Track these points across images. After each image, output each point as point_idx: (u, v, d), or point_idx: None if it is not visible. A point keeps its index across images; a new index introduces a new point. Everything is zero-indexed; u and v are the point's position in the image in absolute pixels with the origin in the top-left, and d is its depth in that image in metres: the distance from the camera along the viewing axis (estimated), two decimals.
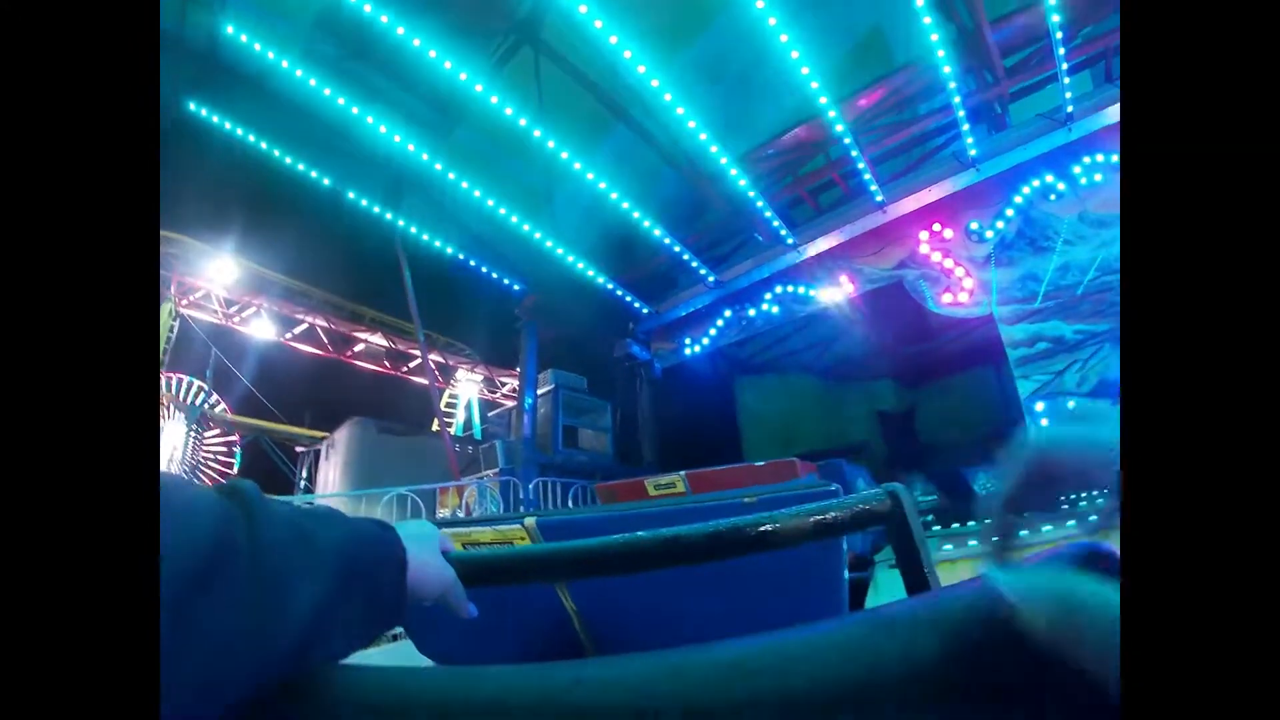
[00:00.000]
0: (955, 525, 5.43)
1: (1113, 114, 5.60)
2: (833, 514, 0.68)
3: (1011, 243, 6.22)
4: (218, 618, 0.35)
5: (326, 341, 17.75)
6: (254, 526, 0.39)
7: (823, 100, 5.52)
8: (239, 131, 6.03)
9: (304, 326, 17.29)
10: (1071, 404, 5.72)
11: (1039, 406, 5.95)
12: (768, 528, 0.67)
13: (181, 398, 17.74)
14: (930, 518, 5.87)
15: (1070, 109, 5.68)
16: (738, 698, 0.30)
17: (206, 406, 18.12)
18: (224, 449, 18.67)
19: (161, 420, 16.93)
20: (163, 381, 17.14)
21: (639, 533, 0.66)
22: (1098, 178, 5.77)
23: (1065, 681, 0.35)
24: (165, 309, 15.47)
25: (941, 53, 5.32)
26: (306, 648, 0.43)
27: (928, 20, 5.09)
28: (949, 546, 4.95)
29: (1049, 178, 5.97)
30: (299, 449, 17.35)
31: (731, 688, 0.31)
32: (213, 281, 15.71)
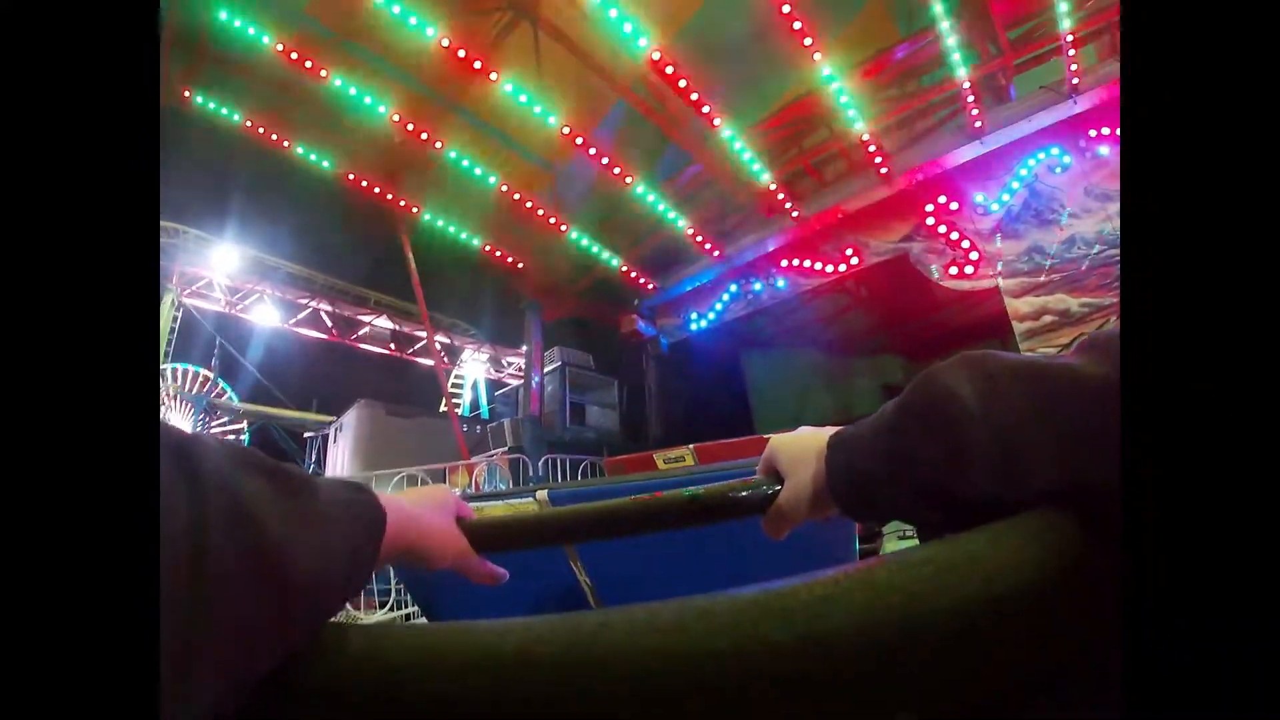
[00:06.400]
0: None
1: (1118, 88, 5.52)
2: None
3: (1017, 215, 6.15)
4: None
5: (331, 326, 17.72)
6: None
7: (826, 72, 5.44)
8: (236, 118, 6.00)
9: (308, 311, 17.27)
10: None
11: None
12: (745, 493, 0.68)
13: (188, 387, 17.84)
14: None
15: (1075, 81, 5.59)
16: (775, 638, 0.29)
17: (213, 396, 18.19)
18: (232, 437, 18.74)
19: (168, 410, 17.04)
20: (169, 372, 17.22)
21: (626, 498, 0.69)
22: (1103, 151, 5.70)
23: None
24: (167, 300, 15.46)
25: (945, 24, 5.25)
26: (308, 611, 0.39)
27: None
28: None
29: (1054, 151, 5.90)
30: (307, 434, 17.41)
31: (765, 628, 0.30)
32: (215, 270, 15.66)
